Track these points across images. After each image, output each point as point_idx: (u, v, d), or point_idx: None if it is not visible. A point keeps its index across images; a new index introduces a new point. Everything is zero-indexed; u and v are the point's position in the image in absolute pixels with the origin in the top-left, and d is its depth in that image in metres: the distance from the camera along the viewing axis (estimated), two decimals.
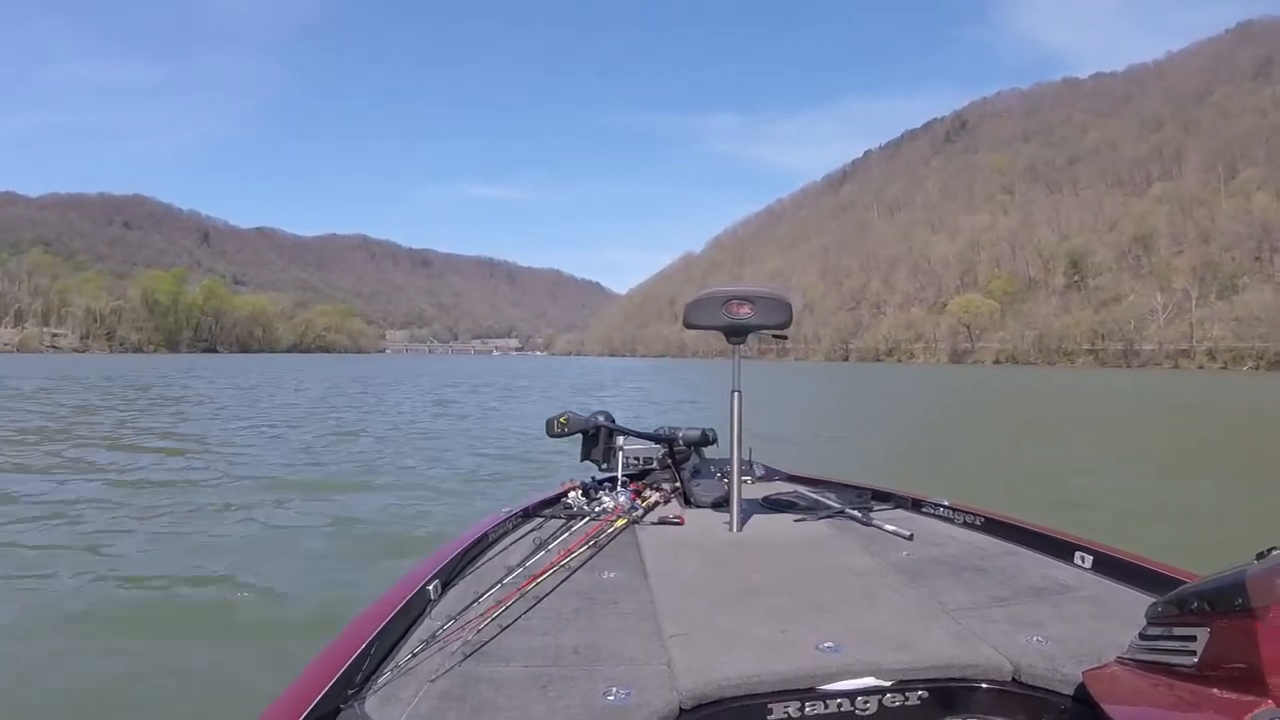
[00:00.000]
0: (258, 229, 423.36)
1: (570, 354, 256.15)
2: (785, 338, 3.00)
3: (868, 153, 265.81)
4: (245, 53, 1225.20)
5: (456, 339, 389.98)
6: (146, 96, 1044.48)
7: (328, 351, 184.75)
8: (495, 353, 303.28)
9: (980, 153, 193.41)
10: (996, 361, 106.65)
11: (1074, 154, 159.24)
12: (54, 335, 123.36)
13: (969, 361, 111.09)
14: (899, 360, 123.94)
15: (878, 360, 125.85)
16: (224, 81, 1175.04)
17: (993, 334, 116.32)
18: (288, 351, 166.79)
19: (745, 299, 2.63)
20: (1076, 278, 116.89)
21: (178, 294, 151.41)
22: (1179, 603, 1.23)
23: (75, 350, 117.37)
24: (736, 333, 2.69)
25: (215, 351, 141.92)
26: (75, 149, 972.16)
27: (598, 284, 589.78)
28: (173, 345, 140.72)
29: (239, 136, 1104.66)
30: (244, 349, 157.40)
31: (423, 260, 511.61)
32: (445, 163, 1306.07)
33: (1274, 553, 1.08)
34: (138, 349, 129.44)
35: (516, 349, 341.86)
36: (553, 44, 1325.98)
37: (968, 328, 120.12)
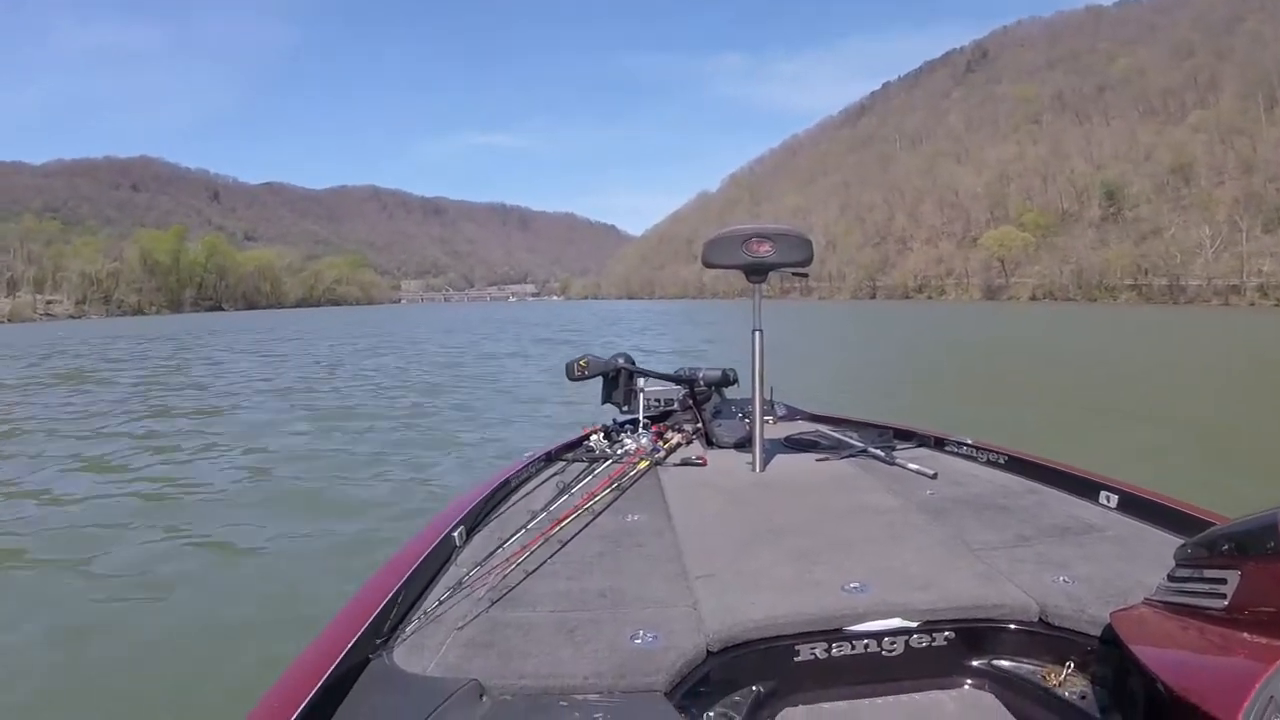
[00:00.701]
0: (267, 184, 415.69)
1: (587, 298, 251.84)
2: (806, 275, 2.96)
3: (886, 85, 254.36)
4: (247, 12, 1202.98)
5: (472, 286, 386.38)
6: (149, 60, 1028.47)
7: (338, 304, 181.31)
8: (512, 299, 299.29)
9: (1004, 83, 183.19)
10: (1033, 298, 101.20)
11: (1102, 82, 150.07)
12: (48, 302, 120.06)
13: (1004, 298, 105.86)
14: (929, 297, 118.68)
15: (906, 298, 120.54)
16: (227, 41, 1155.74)
17: (1028, 268, 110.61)
18: (296, 306, 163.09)
19: (765, 237, 2.62)
20: (1113, 209, 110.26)
21: (178, 252, 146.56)
22: (1208, 544, 1.21)
23: (71, 316, 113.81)
24: (756, 271, 2.70)
25: (221, 309, 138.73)
26: (80, 115, 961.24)
27: (613, 226, 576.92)
28: (175, 305, 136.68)
29: (244, 95, 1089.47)
30: (251, 305, 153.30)
31: (435, 208, 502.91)
32: (452, 113, 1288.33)
33: None
34: (138, 311, 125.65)
35: (533, 294, 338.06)
36: None
37: (1001, 262, 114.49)
